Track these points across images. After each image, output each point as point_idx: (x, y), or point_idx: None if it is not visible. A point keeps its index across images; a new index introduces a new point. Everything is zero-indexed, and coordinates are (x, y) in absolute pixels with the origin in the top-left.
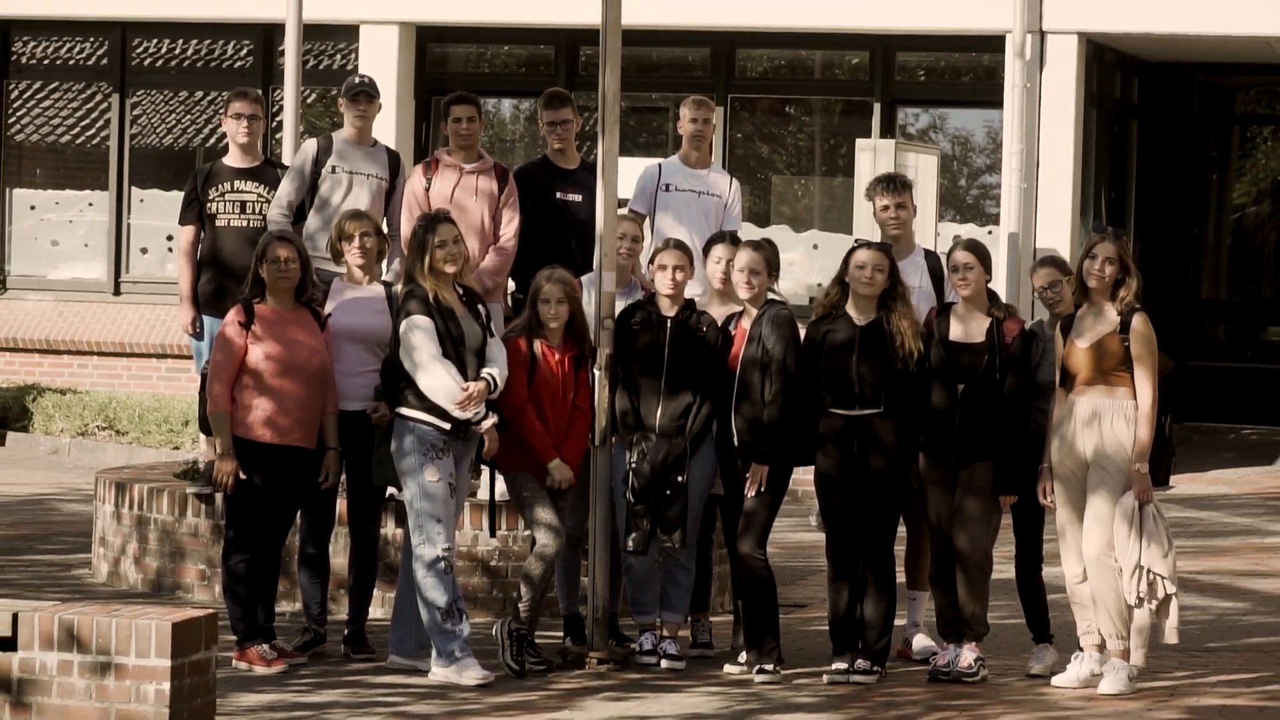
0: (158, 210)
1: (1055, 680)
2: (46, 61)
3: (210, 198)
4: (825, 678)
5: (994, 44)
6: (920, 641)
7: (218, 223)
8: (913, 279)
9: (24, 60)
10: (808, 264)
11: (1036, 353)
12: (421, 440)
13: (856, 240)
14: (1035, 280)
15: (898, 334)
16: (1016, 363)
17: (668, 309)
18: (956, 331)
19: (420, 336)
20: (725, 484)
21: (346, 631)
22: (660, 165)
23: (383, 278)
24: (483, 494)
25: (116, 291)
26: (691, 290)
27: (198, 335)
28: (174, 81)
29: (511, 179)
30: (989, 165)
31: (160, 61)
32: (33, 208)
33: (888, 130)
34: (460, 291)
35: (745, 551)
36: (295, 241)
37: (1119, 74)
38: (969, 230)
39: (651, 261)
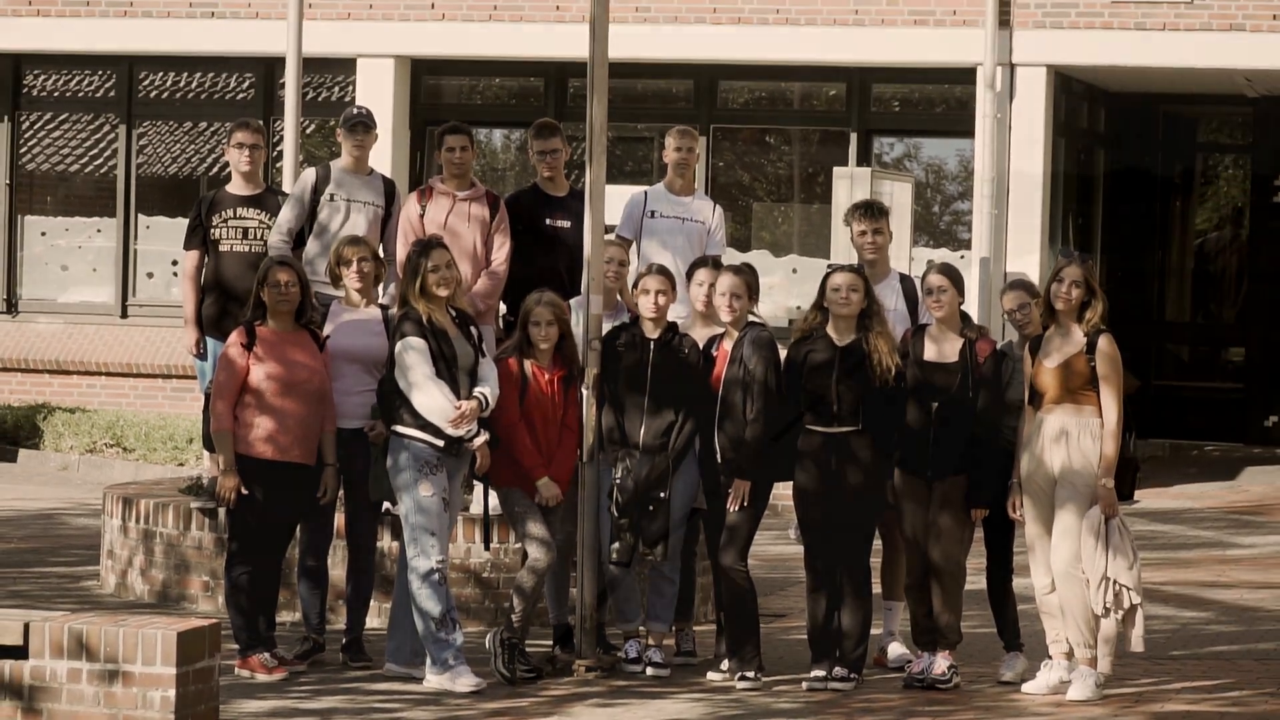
0: (163, 236)
1: (1025, 687)
2: (56, 94)
3: (214, 224)
4: (804, 684)
5: (966, 76)
6: (896, 650)
7: (221, 248)
8: (888, 301)
9: (35, 93)
10: (787, 287)
11: (1006, 372)
12: (416, 457)
13: (830, 265)
14: (1005, 303)
15: (875, 352)
16: (988, 382)
17: (651, 331)
18: (930, 352)
19: (414, 357)
20: (708, 499)
21: (345, 640)
22: (646, 193)
23: (379, 301)
24: (475, 508)
25: (123, 314)
26: (676, 313)
27: (201, 356)
28: (179, 113)
29: (503, 206)
30: (961, 192)
31: (165, 94)
32: (43, 234)
33: (864, 159)
34: (453, 314)
35: (727, 563)
36: (295, 266)
37: (1086, 105)
38: (942, 255)
39: (635, 286)
